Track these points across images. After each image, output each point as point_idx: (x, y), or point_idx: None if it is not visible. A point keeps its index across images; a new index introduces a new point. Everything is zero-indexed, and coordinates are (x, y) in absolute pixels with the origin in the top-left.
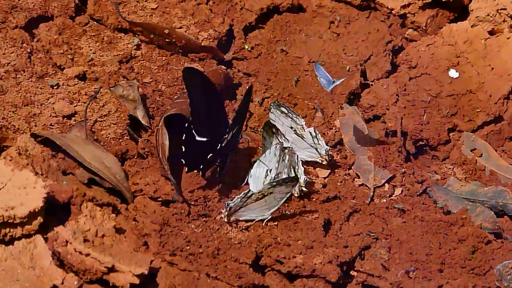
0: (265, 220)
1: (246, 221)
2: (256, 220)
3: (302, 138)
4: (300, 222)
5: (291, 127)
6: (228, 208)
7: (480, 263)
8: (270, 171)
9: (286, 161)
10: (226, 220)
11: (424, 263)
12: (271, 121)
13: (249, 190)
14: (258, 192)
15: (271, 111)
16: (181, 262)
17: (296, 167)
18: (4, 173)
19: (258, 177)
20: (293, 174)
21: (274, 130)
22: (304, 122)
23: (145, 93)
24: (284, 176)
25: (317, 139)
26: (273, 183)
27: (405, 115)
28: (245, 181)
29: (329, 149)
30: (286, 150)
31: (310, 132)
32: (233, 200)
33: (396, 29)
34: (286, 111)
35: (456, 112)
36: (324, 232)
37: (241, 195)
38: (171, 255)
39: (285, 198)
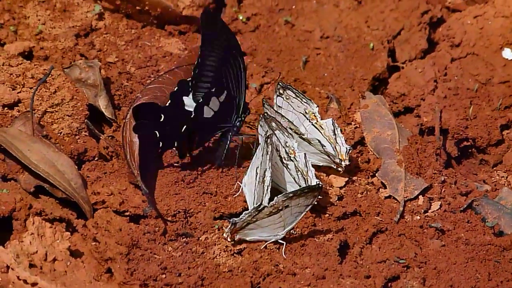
0: (267, 243)
1: (255, 241)
2: (269, 241)
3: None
4: (308, 245)
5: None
6: (232, 226)
7: None
8: (258, 169)
9: (269, 153)
10: (229, 239)
11: None
12: (276, 106)
13: (260, 204)
14: (271, 206)
15: (279, 92)
16: None
17: (305, 169)
18: None
19: (251, 182)
20: (299, 179)
21: (273, 125)
22: (318, 109)
23: (109, 76)
24: (268, 172)
25: (335, 135)
26: (290, 195)
27: (446, 107)
28: (239, 191)
29: (350, 150)
30: (268, 140)
31: (321, 126)
32: (241, 217)
33: None
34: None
35: None
36: (339, 258)
37: (251, 210)
38: (142, 285)
39: (304, 213)
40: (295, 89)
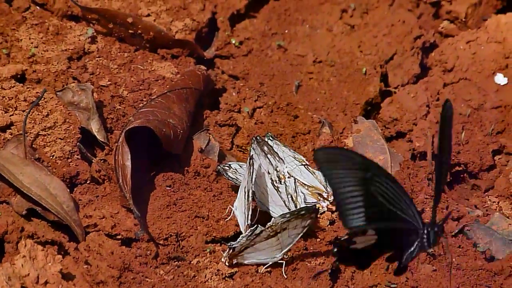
0: (265, 266)
1: (253, 265)
2: (267, 264)
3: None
4: (300, 269)
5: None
6: (231, 250)
7: None
8: (244, 188)
9: (251, 174)
10: (227, 264)
11: None
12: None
13: (257, 226)
14: (268, 228)
15: (270, 137)
16: None
17: (295, 194)
18: None
19: (241, 204)
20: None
21: (265, 149)
22: (305, 159)
23: (102, 100)
24: (251, 193)
25: (326, 182)
26: (287, 215)
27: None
28: (230, 215)
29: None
30: (251, 161)
31: (314, 172)
32: (238, 240)
33: (427, 20)
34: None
35: (504, 129)
36: (331, 283)
37: (247, 233)
38: None
39: (301, 235)
40: (283, 144)
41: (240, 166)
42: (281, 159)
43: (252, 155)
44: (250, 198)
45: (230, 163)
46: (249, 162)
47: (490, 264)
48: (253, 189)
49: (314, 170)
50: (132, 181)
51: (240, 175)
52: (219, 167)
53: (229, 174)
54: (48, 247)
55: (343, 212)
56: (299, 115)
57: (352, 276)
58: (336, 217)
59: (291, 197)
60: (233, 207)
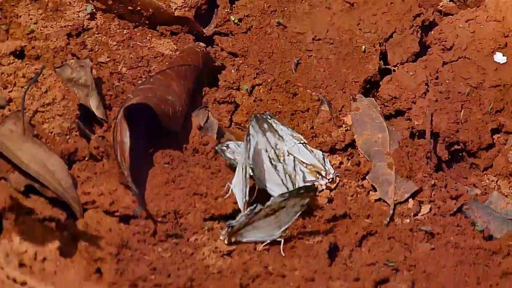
0: (263, 244)
1: (251, 242)
2: (266, 242)
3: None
4: (298, 247)
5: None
6: (229, 228)
7: None
8: (242, 165)
9: (248, 150)
10: (225, 241)
11: None
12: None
13: (256, 205)
14: (267, 207)
15: (269, 116)
16: None
17: (294, 173)
18: None
19: (239, 182)
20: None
21: (265, 126)
22: (303, 137)
23: (101, 76)
24: (249, 169)
25: (324, 162)
26: (286, 195)
27: (437, 111)
28: (228, 192)
29: (336, 175)
30: (247, 137)
31: (312, 150)
32: (237, 218)
33: None
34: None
35: (503, 108)
36: (329, 260)
37: (246, 211)
38: (131, 286)
39: (300, 212)
40: (280, 123)
41: (238, 146)
42: (281, 136)
43: (250, 131)
44: (247, 174)
45: (227, 143)
46: (246, 139)
47: (488, 243)
48: (250, 166)
49: (312, 149)
50: (131, 158)
51: (238, 155)
52: (216, 147)
53: (227, 154)
54: (46, 223)
55: None
56: (298, 92)
57: (350, 254)
58: (334, 195)
59: (289, 175)
60: (231, 184)
